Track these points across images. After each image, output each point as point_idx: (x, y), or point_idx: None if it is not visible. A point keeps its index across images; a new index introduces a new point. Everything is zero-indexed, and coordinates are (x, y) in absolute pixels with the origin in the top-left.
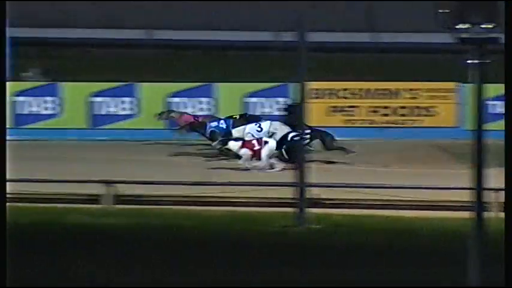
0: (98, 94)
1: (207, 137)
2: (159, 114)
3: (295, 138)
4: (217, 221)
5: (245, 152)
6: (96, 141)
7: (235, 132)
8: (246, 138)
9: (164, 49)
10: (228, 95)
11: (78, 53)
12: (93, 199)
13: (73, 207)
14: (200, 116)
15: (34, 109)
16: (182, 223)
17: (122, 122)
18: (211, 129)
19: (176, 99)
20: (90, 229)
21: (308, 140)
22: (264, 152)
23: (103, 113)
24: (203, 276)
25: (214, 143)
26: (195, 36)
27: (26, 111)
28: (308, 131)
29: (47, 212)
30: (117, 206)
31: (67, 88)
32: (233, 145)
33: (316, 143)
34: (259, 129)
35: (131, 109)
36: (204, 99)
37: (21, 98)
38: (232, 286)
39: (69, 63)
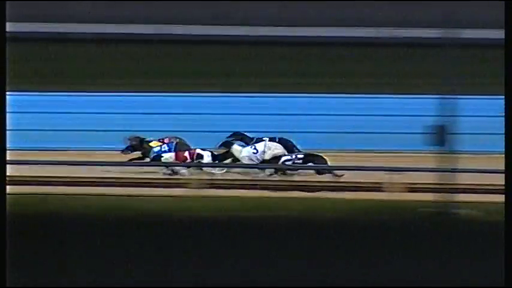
0: None
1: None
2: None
3: (286, 163)
4: None
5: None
6: None
7: (234, 152)
8: (244, 161)
9: None
10: None
11: None
12: None
13: None
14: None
15: None
16: None
17: None
18: (154, 154)
19: None
20: None
21: (299, 164)
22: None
23: None
24: None
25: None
26: None
27: None
28: (301, 155)
29: None
30: None
31: None
32: (166, 157)
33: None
34: (254, 151)
35: None
36: None
37: None
38: None
39: None
